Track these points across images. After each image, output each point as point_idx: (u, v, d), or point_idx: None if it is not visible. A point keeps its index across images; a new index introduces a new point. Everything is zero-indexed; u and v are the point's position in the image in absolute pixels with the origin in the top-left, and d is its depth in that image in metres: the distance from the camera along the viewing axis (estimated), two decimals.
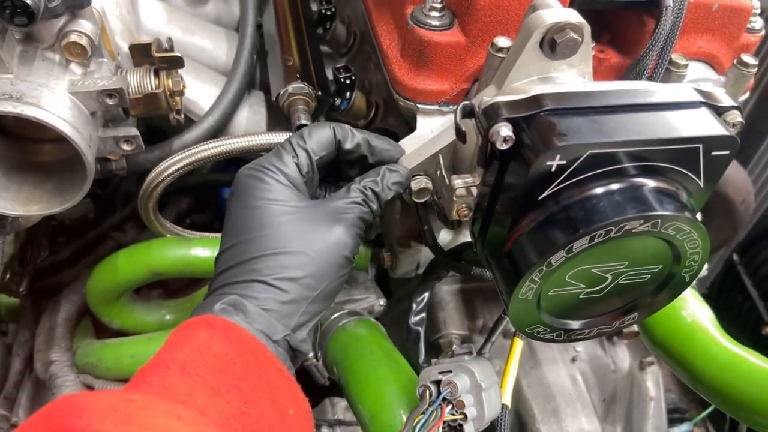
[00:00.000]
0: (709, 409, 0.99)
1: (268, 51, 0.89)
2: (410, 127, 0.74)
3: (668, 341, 0.77)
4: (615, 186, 0.51)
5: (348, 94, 0.84)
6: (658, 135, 0.49)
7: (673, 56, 0.70)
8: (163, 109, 0.70)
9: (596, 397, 0.94)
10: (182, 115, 0.74)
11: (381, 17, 0.78)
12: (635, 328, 0.97)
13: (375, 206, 0.63)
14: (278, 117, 0.89)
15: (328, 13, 0.95)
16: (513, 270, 0.54)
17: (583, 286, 0.56)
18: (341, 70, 0.83)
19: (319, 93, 0.76)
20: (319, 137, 0.63)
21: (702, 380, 0.73)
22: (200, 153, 0.73)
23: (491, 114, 0.51)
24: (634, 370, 1.03)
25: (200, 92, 0.86)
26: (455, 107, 0.61)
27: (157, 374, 0.50)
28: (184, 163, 0.73)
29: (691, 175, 0.53)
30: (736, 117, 0.53)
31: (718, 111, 0.53)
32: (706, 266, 0.80)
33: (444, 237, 0.86)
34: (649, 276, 0.57)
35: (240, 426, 0.49)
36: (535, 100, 0.51)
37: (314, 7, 0.95)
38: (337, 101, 0.83)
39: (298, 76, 0.76)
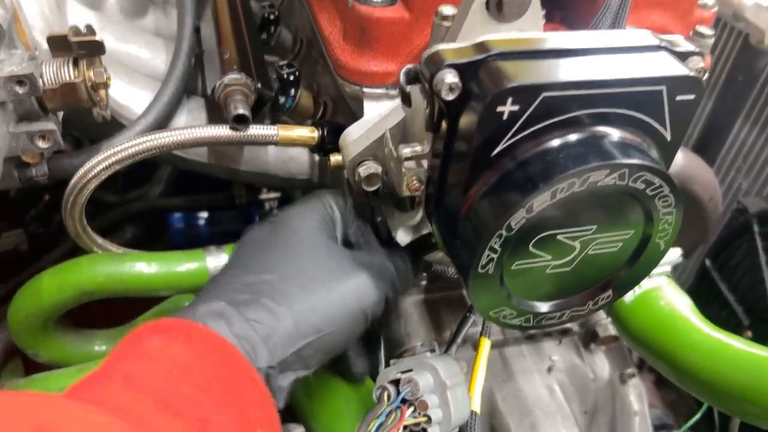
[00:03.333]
0: (696, 417, 0.93)
1: (205, 51, 0.84)
2: None
3: (647, 334, 0.71)
4: (575, 137, 0.46)
5: (292, 91, 0.79)
6: (618, 75, 0.45)
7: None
8: (84, 101, 0.64)
9: (577, 409, 0.87)
10: (108, 111, 0.68)
11: (323, 8, 0.74)
12: (612, 331, 0.91)
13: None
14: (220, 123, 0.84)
15: (272, 17, 0.91)
16: (469, 238, 0.48)
17: (549, 257, 0.50)
18: (284, 67, 0.79)
19: (259, 85, 0.71)
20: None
21: (687, 372, 0.67)
22: (131, 149, 0.66)
23: (433, 63, 0.46)
24: (615, 382, 0.97)
25: (133, 97, 0.80)
26: None
27: (95, 387, 0.42)
28: (113, 160, 0.66)
29: (657, 125, 0.48)
30: (698, 63, 0.50)
31: (679, 56, 0.49)
32: (680, 254, 0.75)
33: (402, 239, 0.80)
34: (620, 244, 0.52)
35: None
36: (481, 46, 0.46)
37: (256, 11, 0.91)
38: (281, 99, 0.78)
39: (235, 67, 0.71)
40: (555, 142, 0.46)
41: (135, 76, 0.82)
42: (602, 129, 0.46)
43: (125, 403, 0.40)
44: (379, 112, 0.66)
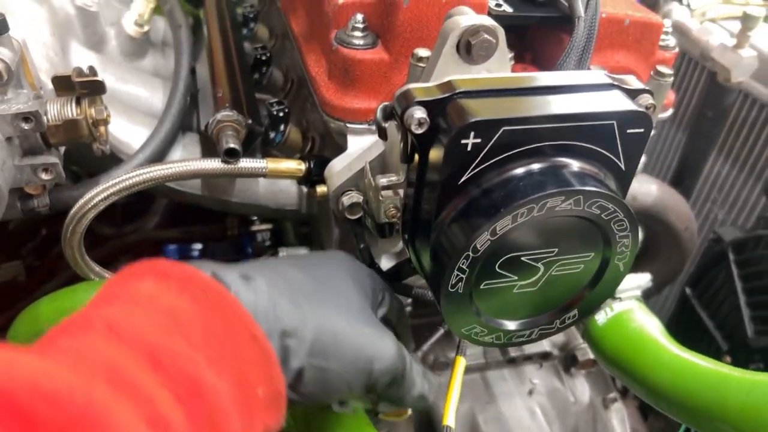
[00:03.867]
0: None
1: (200, 90, 0.89)
2: None
3: (620, 355, 0.74)
4: (535, 166, 0.50)
5: (282, 126, 0.84)
6: (571, 110, 0.49)
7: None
8: (86, 136, 0.68)
9: None
10: (107, 146, 0.72)
11: (310, 50, 0.79)
12: (591, 355, 0.94)
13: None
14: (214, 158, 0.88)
15: (264, 58, 0.97)
16: (440, 259, 0.52)
17: (516, 277, 0.54)
18: (274, 104, 0.83)
19: (250, 121, 0.75)
20: None
21: (659, 392, 0.70)
22: (127, 180, 0.70)
23: (404, 100, 0.50)
24: (597, 406, 0.99)
25: (132, 134, 0.84)
26: None
27: (73, 334, 0.38)
28: (111, 191, 0.70)
29: (611, 156, 0.53)
30: (647, 100, 0.54)
31: (630, 94, 0.54)
32: (649, 278, 0.79)
33: (385, 265, 0.83)
34: (582, 266, 0.56)
35: (182, 413, 0.36)
36: (448, 85, 0.51)
37: (249, 51, 0.96)
38: (272, 134, 0.83)
39: (227, 105, 0.75)
40: (516, 171, 0.50)
41: (134, 113, 0.87)
42: (561, 159, 0.51)
43: (107, 357, 0.36)
44: (361, 146, 0.71)
